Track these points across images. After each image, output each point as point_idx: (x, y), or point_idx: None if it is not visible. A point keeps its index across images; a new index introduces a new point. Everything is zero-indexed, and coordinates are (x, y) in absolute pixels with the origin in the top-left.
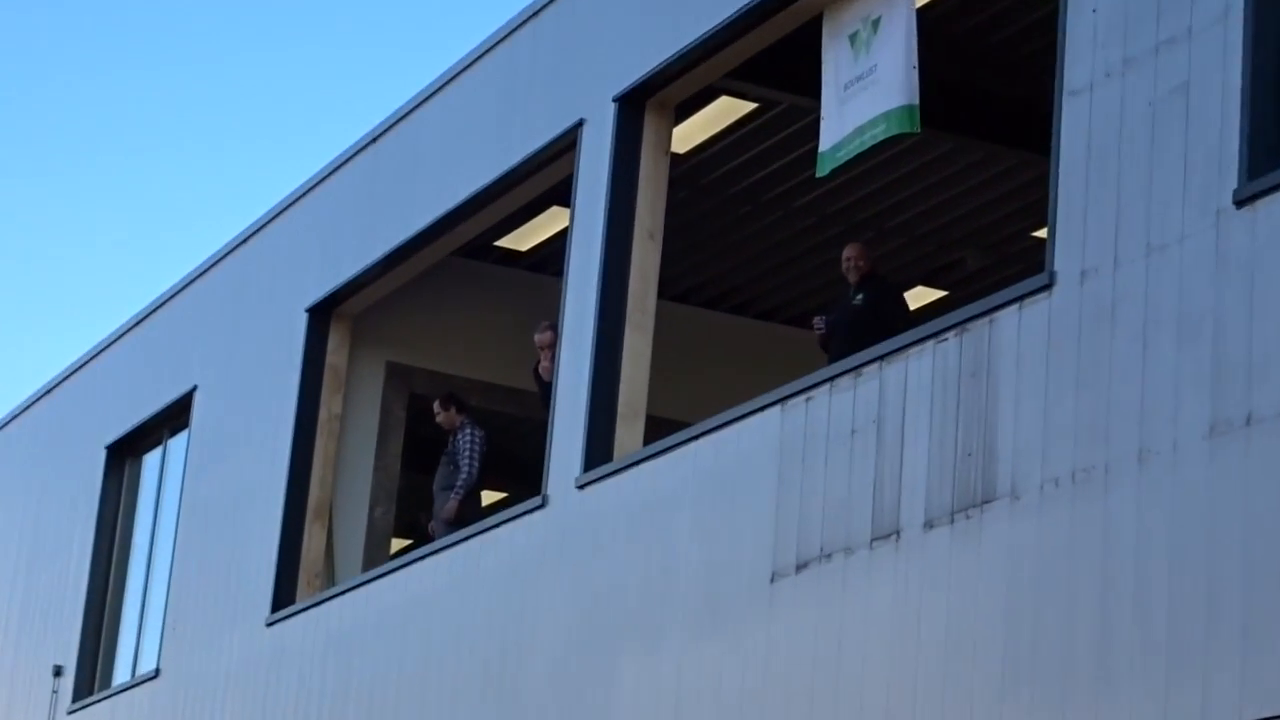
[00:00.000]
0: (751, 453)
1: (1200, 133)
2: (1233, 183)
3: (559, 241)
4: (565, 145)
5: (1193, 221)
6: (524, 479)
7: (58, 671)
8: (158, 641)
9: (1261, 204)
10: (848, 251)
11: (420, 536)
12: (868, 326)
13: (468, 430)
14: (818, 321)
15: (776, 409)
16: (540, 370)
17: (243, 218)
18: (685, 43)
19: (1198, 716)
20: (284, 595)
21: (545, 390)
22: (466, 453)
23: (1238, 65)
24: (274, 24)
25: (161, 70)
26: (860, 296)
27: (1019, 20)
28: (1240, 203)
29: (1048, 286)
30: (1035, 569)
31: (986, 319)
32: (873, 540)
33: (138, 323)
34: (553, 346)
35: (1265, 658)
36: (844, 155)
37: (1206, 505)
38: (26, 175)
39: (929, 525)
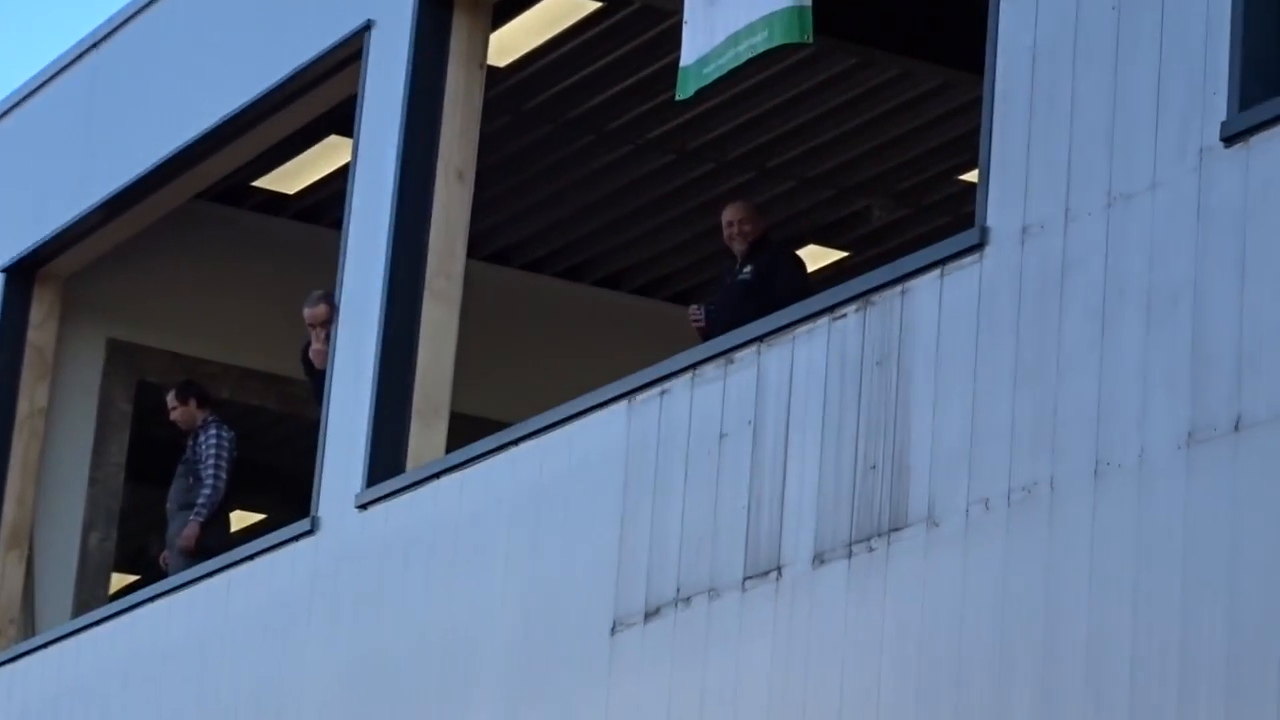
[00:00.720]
0: (589, 463)
1: (1178, 47)
2: (1221, 114)
3: (338, 182)
4: (347, 55)
5: (1168, 164)
6: (288, 496)
7: None
8: None
9: (1257, 141)
10: (730, 213)
11: (151, 570)
12: (760, 307)
13: (213, 430)
14: (695, 311)
15: (622, 405)
16: (311, 354)
17: None
18: None
19: None
20: None
21: (318, 380)
22: (211, 460)
23: None
24: None
25: None
26: (748, 269)
27: None
28: (1229, 139)
29: (978, 246)
30: (958, 614)
31: (898, 288)
32: (745, 579)
33: None
34: (328, 324)
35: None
36: (713, 72)
37: (1181, 532)
38: None
39: (820, 560)
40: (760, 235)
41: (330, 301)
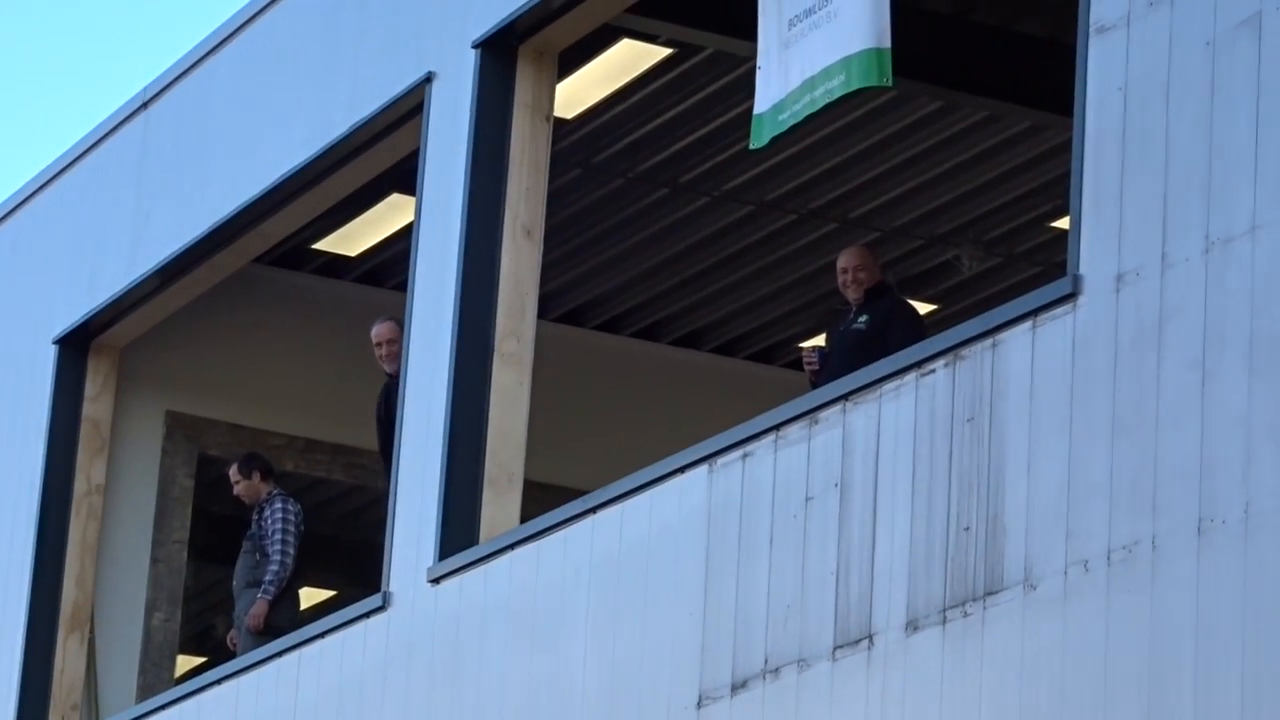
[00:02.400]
0: (670, 531)
1: (1277, 83)
2: None
3: (402, 243)
4: (409, 109)
5: (1269, 206)
6: (358, 571)
7: None
8: None
9: None
10: (845, 260)
11: (218, 651)
12: (872, 357)
13: (279, 504)
14: (809, 355)
15: (703, 469)
16: (384, 366)
17: None
18: None
19: None
20: None
21: (388, 429)
22: (278, 535)
23: None
24: None
25: None
26: (863, 319)
27: None
28: None
29: (1071, 296)
30: (1059, 681)
31: (988, 341)
32: (836, 649)
33: None
34: (396, 342)
35: None
36: (789, 119)
37: None
38: None
39: (913, 627)
40: (877, 283)
41: (398, 323)
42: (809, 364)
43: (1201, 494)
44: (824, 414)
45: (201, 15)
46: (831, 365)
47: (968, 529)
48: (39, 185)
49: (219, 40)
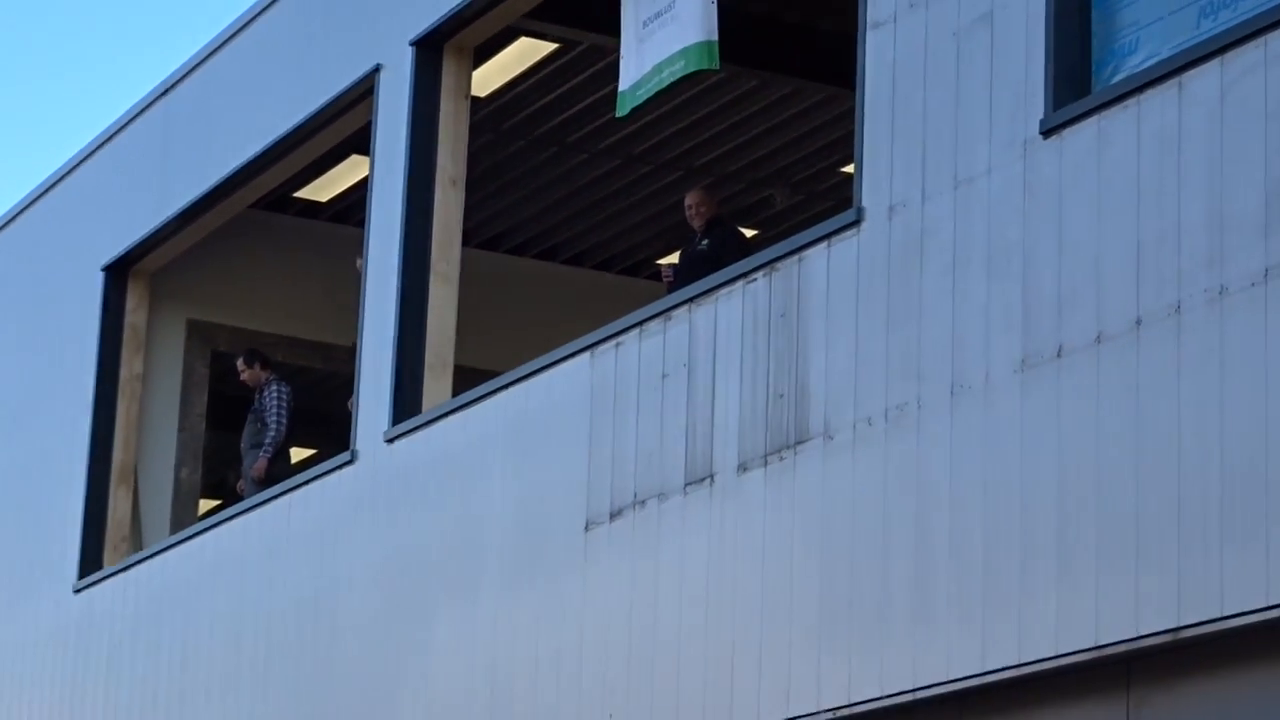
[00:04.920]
0: (562, 400)
1: (1004, 63)
2: (1039, 112)
3: (360, 191)
4: (363, 92)
5: (999, 153)
6: (332, 434)
7: None
8: None
9: (1068, 133)
10: (690, 198)
11: (229, 496)
12: (712, 270)
13: (274, 386)
14: (666, 270)
15: (586, 356)
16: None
17: (33, 177)
18: None
19: (1014, 651)
20: (91, 561)
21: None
22: (274, 409)
23: None
24: None
25: None
26: (705, 242)
27: None
28: (1046, 133)
29: (856, 223)
30: (850, 508)
31: (795, 257)
32: (686, 485)
33: None
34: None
35: (1080, 591)
36: (643, 94)
37: (1019, 438)
38: None
39: (743, 468)
40: (714, 216)
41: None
42: (666, 277)
43: (954, 365)
44: (675, 313)
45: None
46: (681, 277)
47: (782, 396)
48: (88, 152)
49: (220, 41)
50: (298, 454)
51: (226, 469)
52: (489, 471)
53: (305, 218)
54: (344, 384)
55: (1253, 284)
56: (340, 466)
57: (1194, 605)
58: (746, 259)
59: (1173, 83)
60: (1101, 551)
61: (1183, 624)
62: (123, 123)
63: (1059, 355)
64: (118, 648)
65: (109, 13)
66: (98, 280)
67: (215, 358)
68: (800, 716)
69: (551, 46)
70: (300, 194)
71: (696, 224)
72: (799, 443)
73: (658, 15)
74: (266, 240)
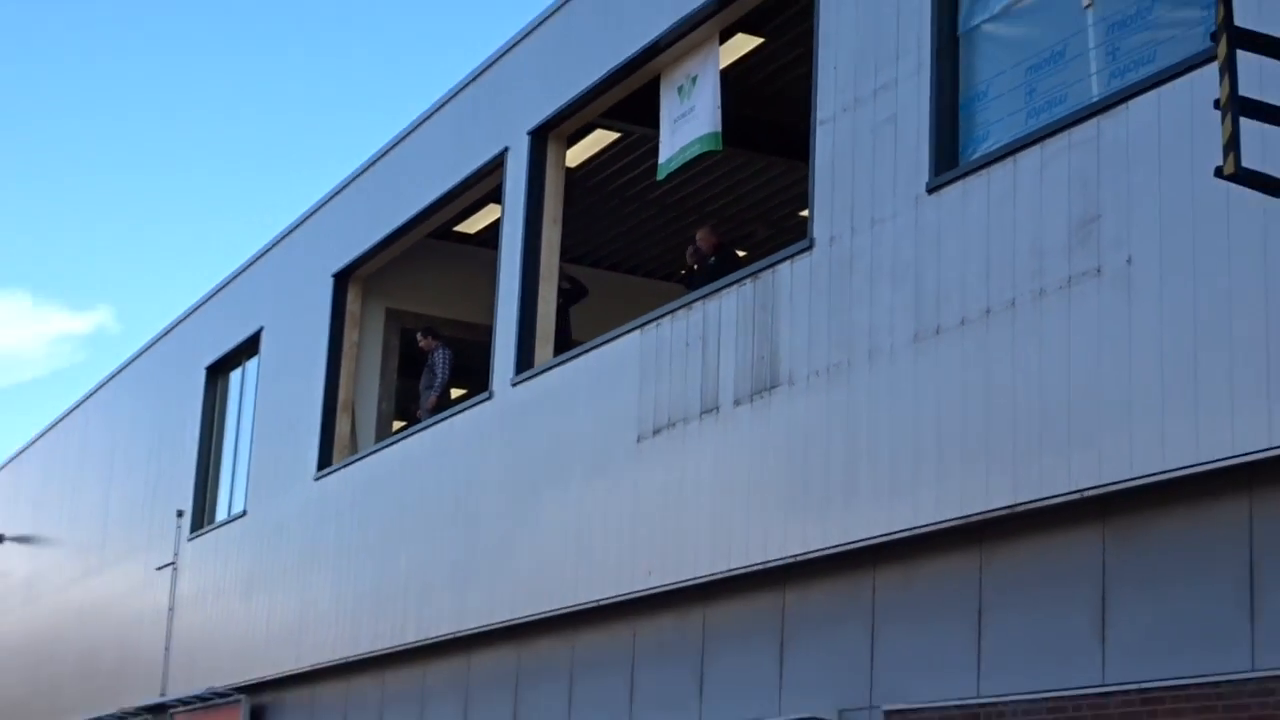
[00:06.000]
0: (622, 359)
1: (904, 146)
2: (925, 177)
3: (496, 227)
4: (497, 163)
5: (900, 203)
6: (478, 381)
7: (180, 513)
8: (244, 492)
9: (944, 191)
10: (700, 232)
11: (411, 420)
12: (716, 279)
13: (440, 350)
14: (689, 272)
15: (637, 332)
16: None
17: (287, 212)
18: (572, 94)
19: (911, 516)
20: (325, 459)
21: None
22: (440, 365)
23: (927, 103)
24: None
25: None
26: (712, 260)
27: (787, 75)
28: (930, 190)
29: (809, 248)
30: (804, 428)
31: (770, 270)
32: (701, 413)
33: (222, 287)
34: (707, 239)
35: (950, 480)
36: (674, 165)
37: (913, 387)
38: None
39: (737, 403)
40: (718, 243)
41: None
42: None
43: (871, 339)
44: (695, 305)
45: (401, 109)
46: (696, 283)
47: (762, 358)
48: (325, 200)
49: (409, 130)
50: (456, 393)
51: (410, 403)
52: (576, 405)
53: (460, 243)
54: (486, 348)
55: (1060, 287)
56: (481, 401)
57: (1005, 492)
58: (738, 271)
59: (1009, 159)
60: (952, 453)
61: (1018, 501)
62: (351, 179)
63: (938, 333)
64: (342, 517)
65: (332, 110)
66: (329, 284)
67: (403, 333)
68: (774, 559)
69: (616, 135)
70: (458, 228)
71: (705, 249)
72: (772, 387)
73: (683, 115)
74: (436, 257)
